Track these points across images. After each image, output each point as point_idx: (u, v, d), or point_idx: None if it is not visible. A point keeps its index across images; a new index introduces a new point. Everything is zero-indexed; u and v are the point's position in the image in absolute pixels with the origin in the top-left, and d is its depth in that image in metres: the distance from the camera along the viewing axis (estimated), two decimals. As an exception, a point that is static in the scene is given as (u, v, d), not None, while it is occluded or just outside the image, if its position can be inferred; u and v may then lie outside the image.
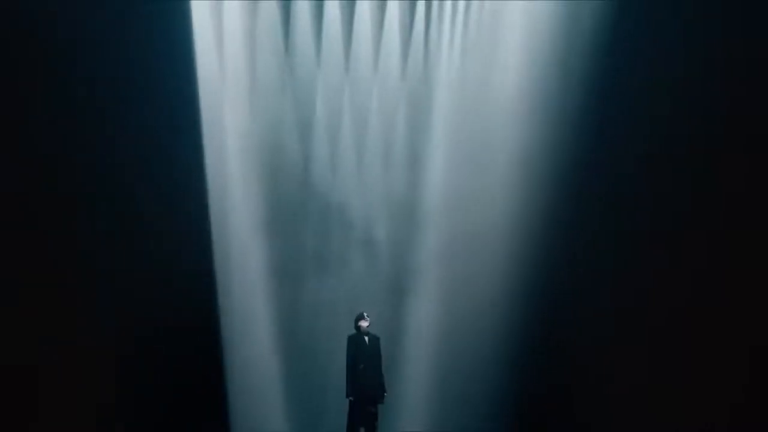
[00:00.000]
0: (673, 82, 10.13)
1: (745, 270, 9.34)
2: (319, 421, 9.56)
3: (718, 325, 9.26)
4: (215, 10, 11.04)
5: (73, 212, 9.75)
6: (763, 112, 9.48)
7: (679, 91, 10.05)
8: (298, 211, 11.32)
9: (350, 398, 7.95)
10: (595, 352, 9.83)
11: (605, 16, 10.97)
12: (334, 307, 10.85)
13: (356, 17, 11.88)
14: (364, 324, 7.98)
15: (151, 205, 10.01)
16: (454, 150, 11.47)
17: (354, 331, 8.15)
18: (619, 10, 10.71)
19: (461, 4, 11.99)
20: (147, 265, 9.72)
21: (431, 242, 11.18)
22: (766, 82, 9.55)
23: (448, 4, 11.98)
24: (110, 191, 9.89)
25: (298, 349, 10.59)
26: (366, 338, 8.02)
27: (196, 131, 10.44)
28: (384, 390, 7.99)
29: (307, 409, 9.80)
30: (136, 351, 9.41)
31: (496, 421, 10.25)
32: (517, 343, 10.27)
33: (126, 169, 9.94)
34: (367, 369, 8.01)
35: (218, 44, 11.10)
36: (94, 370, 9.49)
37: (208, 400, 9.84)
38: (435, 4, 11.95)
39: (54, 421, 9.31)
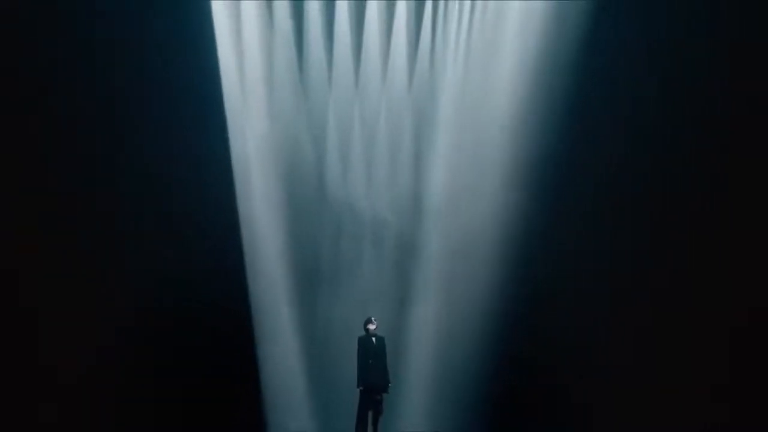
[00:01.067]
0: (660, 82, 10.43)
1: (726, 266, 9.63)
2: (335, 407, 10.66)
3: (700, 323, 9.59)
4: (236, 31, 11.83)
5: (114, 211, 10.51)
6: (748, 111, 9.66)
7: (666, 91, 10.39)
8: (313, 209, 12.14)
9: (360, 388, 9.20)
10: (585, 351, 10.25)
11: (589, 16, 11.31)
12: (345, 298, 11.55)
13: (365, 35, 12.67)
14: (371, 327, 9.28)
15: (184, 207, 10.77)
16: (456, 153, 12.06)
17: (364, 332, 9.38)
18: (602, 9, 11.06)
19: (464, 22, 12.51)
20: (184, 263, 10.52)
21: (433, 241, 11.80)
22: (752, 81, 9.67)
23: (452, 24, 12.52)
24: (146, 190, 10.69)
25: (316, 344, 11.35)
26: (373, 339, 9.29)
27: (223, 138, 11.40)
28: (389, 382, 9.27)
29: (324, 397, 10.79)
30: (183, 349, 10.32)
31: (485, 417, 10.74)
32: (512, 342, 10.68)
33: (164, 171, 10.71)
34: (374, 364, 9.27)
35: (239, 61, 11.98)
36: (147, 367, 10.23)
37: (244, 392, 10.63)
38: (440, 25, 12.44)
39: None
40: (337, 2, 12.33)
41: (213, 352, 10.62)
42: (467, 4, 12.41)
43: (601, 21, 11.14)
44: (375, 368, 9.24)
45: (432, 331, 11.26)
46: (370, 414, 9.17)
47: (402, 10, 12.36)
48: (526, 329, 10.72)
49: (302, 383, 10.93)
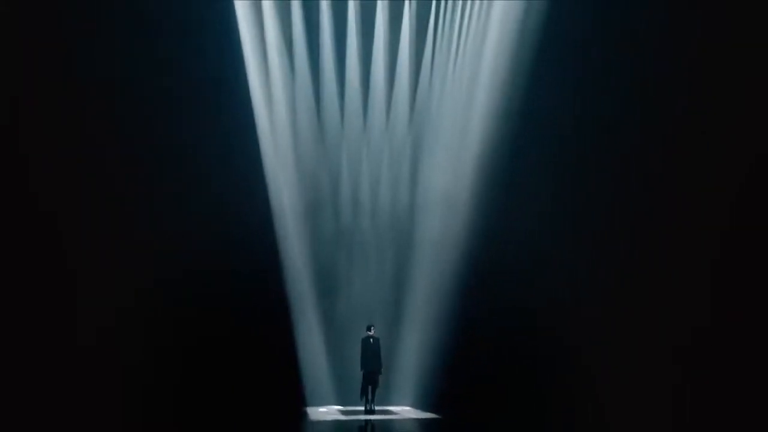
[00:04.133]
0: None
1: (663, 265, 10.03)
2: (346, 379, 13.80)
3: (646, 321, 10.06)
4: (267, 87, 14.24)
5: (166, 211, 11.80)
6: (705, 110, 9.69)
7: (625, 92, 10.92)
8: (330, 230, 14.64)
9: (362, 371, 13.09)
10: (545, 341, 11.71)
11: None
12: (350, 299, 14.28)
13: (371, 88, 15.06)
14: (370, 332, 13.16)
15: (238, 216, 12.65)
16: (442, 174, 14.33)
17: (365, 334, 13.13)
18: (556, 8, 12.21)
19: (453, 70, 14.56)
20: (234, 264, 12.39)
21: (422, 255, 14.27)
22: (705, 80, 9.74)
23: (448, 73, 14.68)
24: (197, 193, 12.28)
25: (335, 336, 14.17)
26: (371, 340, 13.14)
27: (261, 174, 13.66)
28: (381, 366, 13.08)
29: (339, 376, 14.00)
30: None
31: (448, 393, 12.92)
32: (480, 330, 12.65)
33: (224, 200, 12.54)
34: (372, 356, 13.06)
35: (269, 112, 14.29)
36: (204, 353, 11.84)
37: (285, 372, 13.06)
38: (437, 80, 14.78)
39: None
40: (347, 62, 14.89)
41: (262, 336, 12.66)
42: (456, 63, 14.47)
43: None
44: (372, 359, 13.11)
45: (417, 330, 14.04)
46: (369, 388, 13.14)
47: (404, 63, 14.95)
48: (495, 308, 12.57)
49: (325, 366, 14.04)
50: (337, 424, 12.29)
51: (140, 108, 11.71)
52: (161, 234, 11.66)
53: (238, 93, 13.28)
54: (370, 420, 12.66)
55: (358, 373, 13.36)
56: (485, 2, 14.15)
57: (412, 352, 14.23)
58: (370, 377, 13.19)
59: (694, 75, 9.89)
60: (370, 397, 13.16)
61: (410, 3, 14.99)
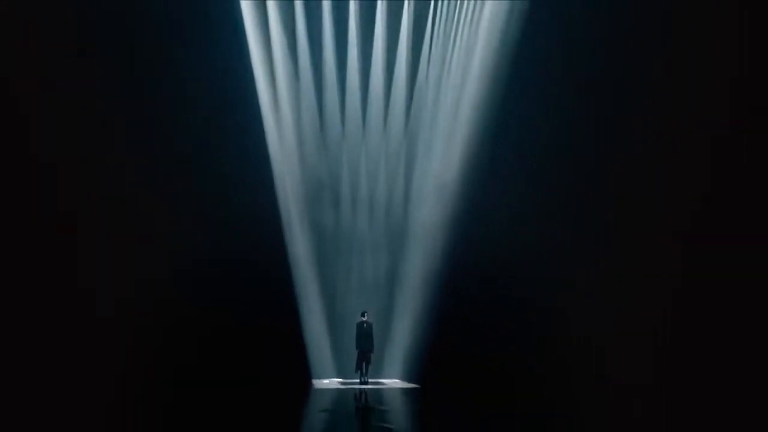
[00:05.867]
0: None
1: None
2: (345, 357, 15.50)
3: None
4: (273, 103, 15.08)
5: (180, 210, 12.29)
6: (678, 111, 9.84)
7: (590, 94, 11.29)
8: (330, 220, 15.74)
9: (357, 350, 15.14)
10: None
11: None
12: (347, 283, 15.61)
13: (370, 85, 15.72)
14: (364, 318, 15.31)
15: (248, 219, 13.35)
16: (436, 182, 15.04)
17: (360, 319, 15.16)
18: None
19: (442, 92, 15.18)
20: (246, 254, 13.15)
21: (414, 245, 15.46)
22: (676, 84, 9.85)
23: (443, 69, 15.32)
24: (212, 193, 13.08)
25: (335, 321, 15.59)
26: (365, 324, 15.23)
27: (269, 171, 14.66)
28: (373, 346, 15.16)
29: (338, 354, 15.66)
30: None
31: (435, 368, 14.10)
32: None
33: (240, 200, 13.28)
34: (365, 338, 15.13)
35: (277, 119, 15.17)
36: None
37: (291, 346, 14.19)
38: (432, 84, 15.55)
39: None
40: (348, 72, 15.56)
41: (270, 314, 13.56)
42: (451, 75, 15.11)
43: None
44: (365, 340, 15.23)
45: (407, 316, 15.44)
46: (363, 364, 15.30)
47: (402, 60, 15.73)
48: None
49: (327, 346, 15.60)
50: (337, 391, 13.95)
51: (156, 102, 12.22)
52: (178, 227, 12.29)
53: (246, 88, 14.04)
54: (363, 389, 14.50)
55: (354, 352, 15.30)
56: (478, 2, 14.77)
57: (401, 334, 15.82)
58: (364, 355, 15.23)
59: (672, 69, 9.94)
60: (364, 371, 15.10)
61: (409, 2, 15.66)
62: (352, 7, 15.45)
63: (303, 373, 14.98)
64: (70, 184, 10.62)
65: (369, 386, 14.88)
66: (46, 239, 9.97)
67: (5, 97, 9.56)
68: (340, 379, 15.60)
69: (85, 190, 10.80)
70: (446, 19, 15.58)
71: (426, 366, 14.82)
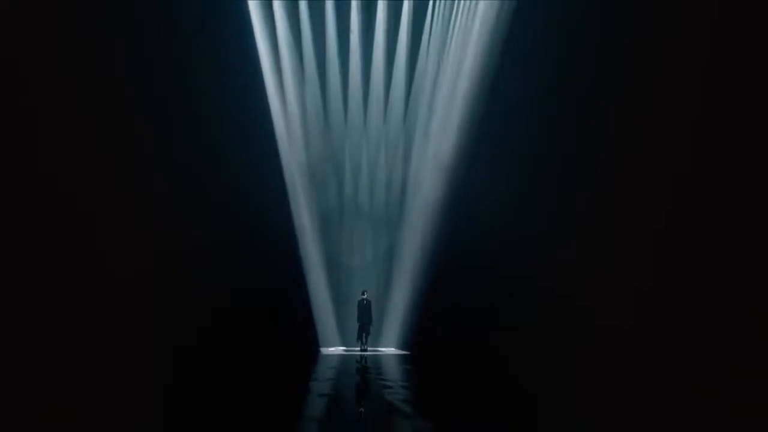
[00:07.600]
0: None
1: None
2: (348, 330, 17.13)
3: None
4: (279, 91, 15.87)
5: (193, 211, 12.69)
6: (664, 112, 9.69)
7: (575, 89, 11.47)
8: (336, 218, 17.08)
9: (358, 323, 17.06)
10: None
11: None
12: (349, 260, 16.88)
13: (371, 86, 16.46)
14: (364, 296, 17.25)
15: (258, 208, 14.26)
16: (432, 165, 16.05)
17: (360, 297, 17.12)
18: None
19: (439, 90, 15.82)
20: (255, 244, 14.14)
21: (411, 227, 16.34)
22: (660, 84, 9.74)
23: (440, 64, 15.92)
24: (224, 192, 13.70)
25: (340, 297, 17.09)
26: (364, 301, 17.09)
27: (277, 158, 15.67)
28: (371, 319, 17.12)
29: (342, 326, 17.20)
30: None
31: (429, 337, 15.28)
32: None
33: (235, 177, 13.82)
34: (365, 313, 16.96)
35: (283, 106, 15.95)
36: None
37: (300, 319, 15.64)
38: (428, 84, 16.26)
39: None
40: (350, 63, 16.22)
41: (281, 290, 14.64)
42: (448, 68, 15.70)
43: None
44: (365, 314, 17.19)
45: (403, 292, 16.74)
46: (363, 335, 17.17)
47: (402, 57, 16.43)
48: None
49: (332, 319, 17.07)
50: (341, 357, 15.54)
51: (171, 91, 12.48)
52: (198, 207, 12.85)
53: (254, 80, 14.76)
54: (363, 354, 16.25)
55: (355, 324, 16.95)
56: (473, 1, 15.34)
57: (397, 308, 17.21)
58: (364, 328, 16.96)
59: (659, 67, 9.87)
60: (364, 340, 16.86)
61: (409, 1, 16.20)
62: (354, 4, 16.04)
63: (312, 342, 16.47)
64: (87, 173, 10.88)
65: (368, 352, 16.53)
66: (64, 219, 10.19)
67: (16, 78, 9.60)
68: (344, 348, 17.15)
69: (104, 181, 11.13)
70: (443, 13, 16.14)
71: (418, 336, 16.08)
